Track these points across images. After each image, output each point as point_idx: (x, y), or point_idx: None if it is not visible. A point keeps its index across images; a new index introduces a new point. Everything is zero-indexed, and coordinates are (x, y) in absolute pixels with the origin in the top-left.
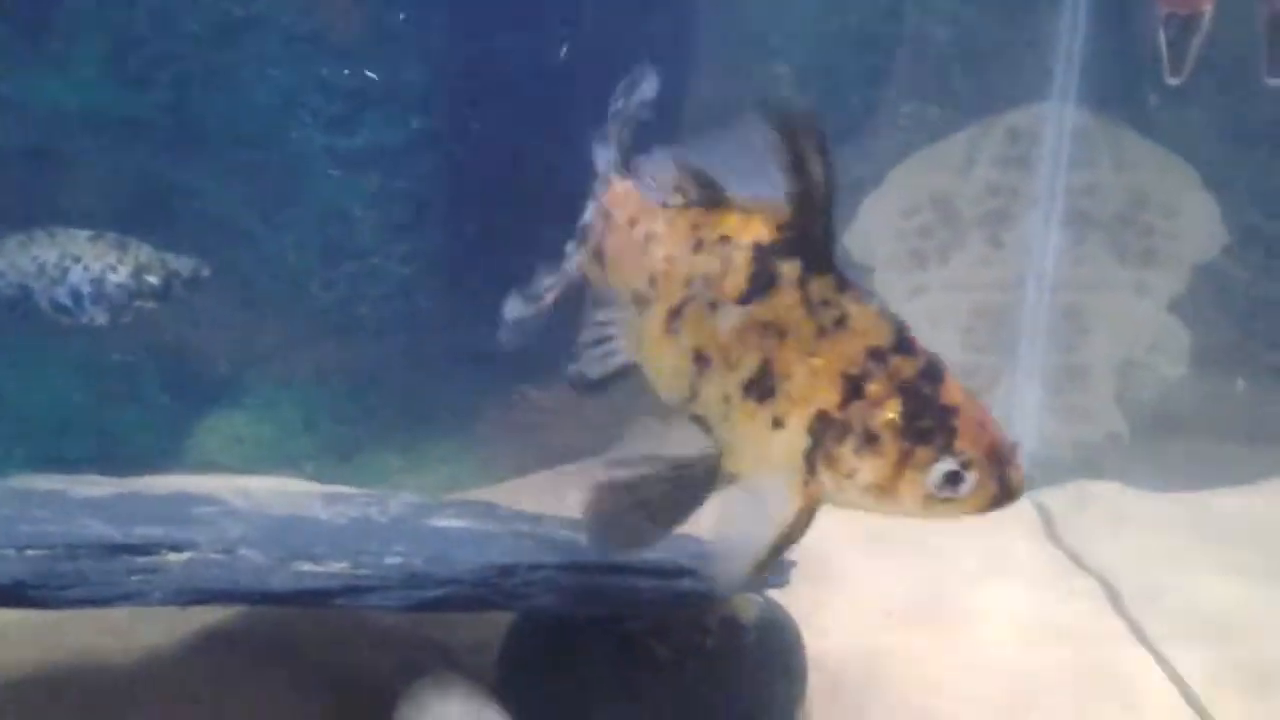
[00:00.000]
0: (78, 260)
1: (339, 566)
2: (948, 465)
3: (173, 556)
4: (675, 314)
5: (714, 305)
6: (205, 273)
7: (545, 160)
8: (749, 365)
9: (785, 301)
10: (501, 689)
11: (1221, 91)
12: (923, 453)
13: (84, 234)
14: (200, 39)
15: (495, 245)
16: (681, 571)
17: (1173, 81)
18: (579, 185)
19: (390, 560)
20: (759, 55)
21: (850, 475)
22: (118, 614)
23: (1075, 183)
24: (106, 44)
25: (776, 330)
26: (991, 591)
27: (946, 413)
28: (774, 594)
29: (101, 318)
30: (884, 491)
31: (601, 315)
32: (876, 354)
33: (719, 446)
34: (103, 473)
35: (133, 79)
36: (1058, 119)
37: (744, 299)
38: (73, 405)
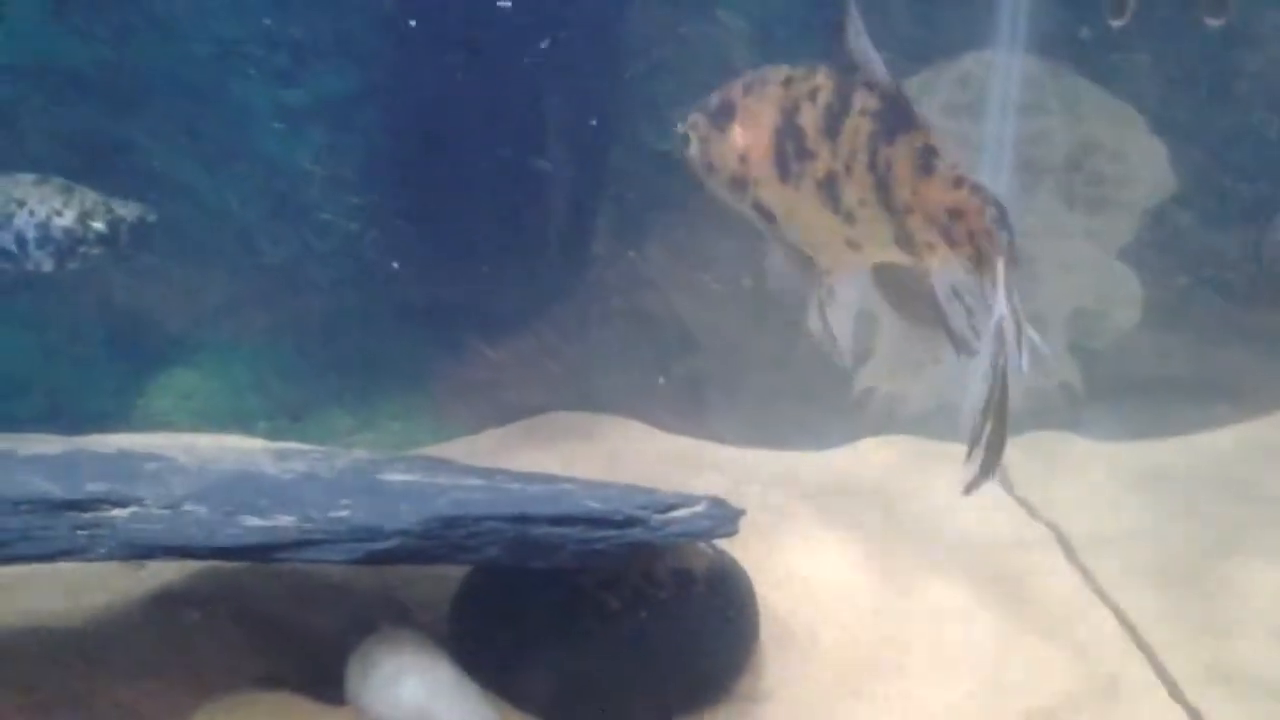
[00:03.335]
0: (22, 205)
1: (286, 520)
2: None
3: (116, 512)
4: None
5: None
6: (151, 219)
7: (494, 111)
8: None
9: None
10: (454, 643)
11: (1164, 34)
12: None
13: (28, 178)
14: None
15: (445, 199)
16: (631, 521)
17: (1115, 24)
18: (526, 138)
19: (337, 514)
20: (712, 9)
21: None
22: (69, 573)
23: (1024, 130)
24: None
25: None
26: (944, 541)
27: None
28: (725, 544)
29: (47, 264)
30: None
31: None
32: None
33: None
34: (53, 432)
35: (73, 30)
36: (1005, 65)
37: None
38: (21, 364)
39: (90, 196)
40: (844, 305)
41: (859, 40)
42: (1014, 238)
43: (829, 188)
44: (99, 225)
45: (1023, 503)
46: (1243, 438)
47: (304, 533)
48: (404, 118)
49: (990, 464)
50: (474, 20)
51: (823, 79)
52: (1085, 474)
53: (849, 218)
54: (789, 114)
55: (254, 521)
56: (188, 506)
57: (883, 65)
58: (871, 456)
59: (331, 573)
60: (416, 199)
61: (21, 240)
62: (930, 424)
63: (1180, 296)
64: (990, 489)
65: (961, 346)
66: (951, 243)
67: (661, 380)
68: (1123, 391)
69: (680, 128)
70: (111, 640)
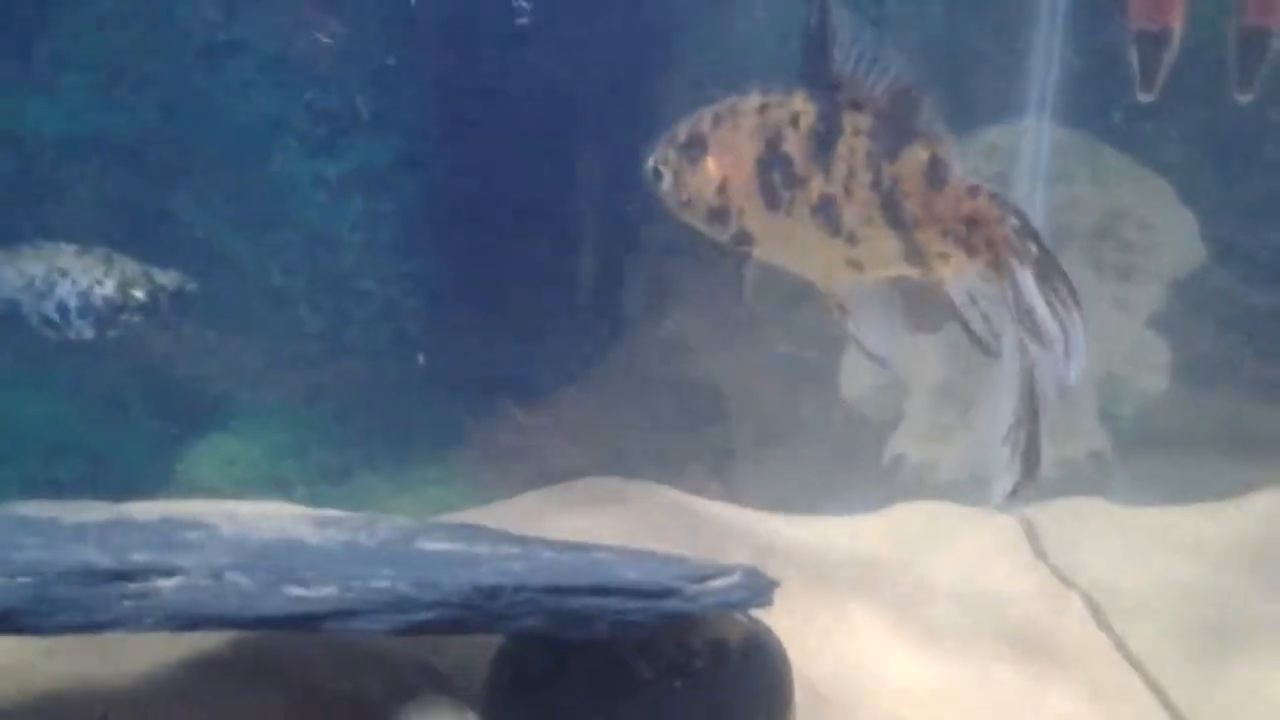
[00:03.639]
0: (65, 274)
1: (327, 590)
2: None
3: (163, 582)
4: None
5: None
6: (191, 288)
7: (530, 180)
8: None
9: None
10: (489, 710)
11: (1193, 106)
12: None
13: (70, 248)
14: (185, 64)
15: (482, 267)
16: (667, 592)
17: (1145, 98)
18: (562, 207)
19: (378, 584)
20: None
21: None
22: (109, 639)
23: (1053, 198)
24: (92, 70)
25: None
26: (978, 609)
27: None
28: (760, 614)
29: (88, 332)
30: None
31: None
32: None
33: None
34: (94, 496)
35: (118, 104)
36: (1035, 135)
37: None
38: (63, 430)
39: (131, 266)
40: (864, 311)
41: (846, 59)
42: (1042, 243)
43: (826, 212)
44: (139, 294)
45: (1055, 569)
46: (1275, 501)
47: (346, 603)
48: (441, 187)
49: (1027, 479)
50: (512, 91)
51: (802, 103)
52: (1117, 539)
53: (851, 239)
54: (771, 142)
55: (297, 592)
56: (231, 576)
57: (890, 78)
58: (903, 522)
59: (370, 638)
60: (453, 267)
61: (64, 309)
62: (962, 490)
63: (1210, 361)
64: (1021, 554)
65: (985, 350)
66: (970, 251)
67: (691, 444)
68: (1153, 456)
69: (650, 162)
70: (151, 707)
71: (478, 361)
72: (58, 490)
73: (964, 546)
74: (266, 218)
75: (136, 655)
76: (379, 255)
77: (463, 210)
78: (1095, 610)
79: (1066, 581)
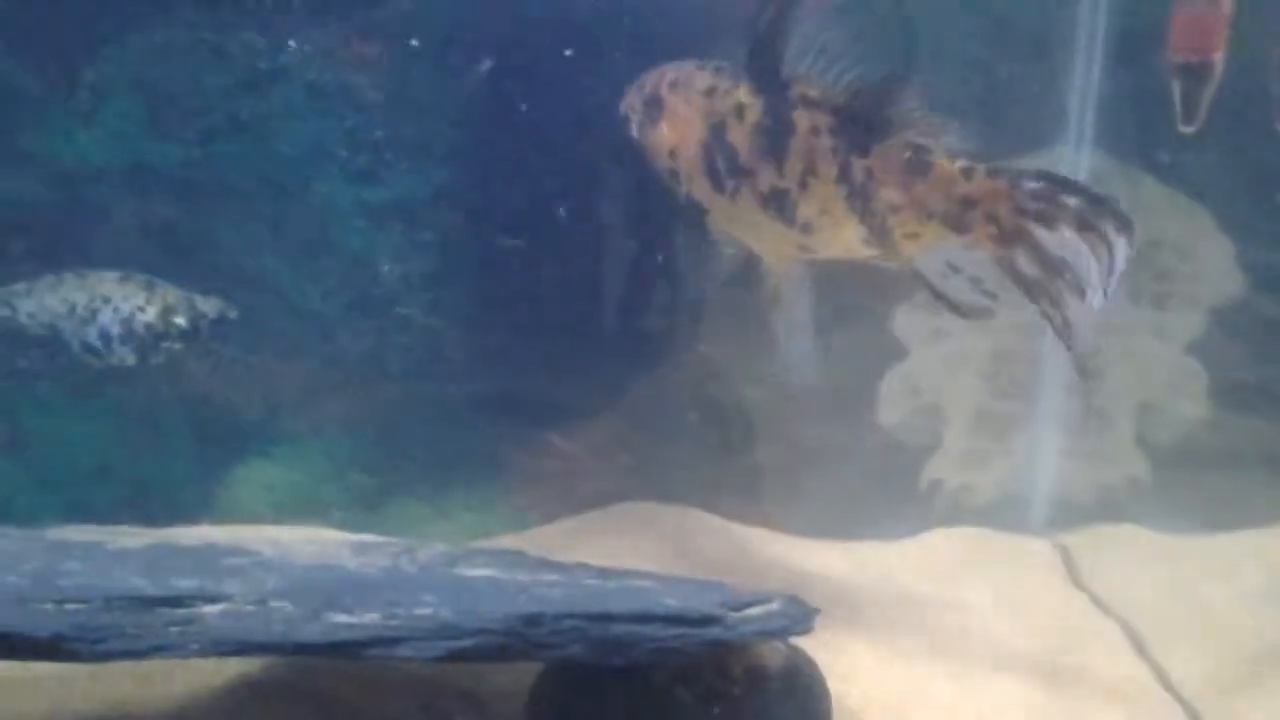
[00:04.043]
0: (107, 301)
1: (371, 617)
2: None
3: (208, 608)
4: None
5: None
6: (232, 315)
7: (569, 209)
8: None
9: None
10: None
11: (1234, 136)
12: None
13: (112, 275)
14: (228, 92)
15: (520, 294)
16: (707, 620)
17: (1186, 130)
18: (600, 236)
19: (420, 611)
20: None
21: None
22: (153, 664)
23: None
24: (136, 98)
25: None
26: (1012, 635)
27: None
28: (799, 641)
29: (130, 358)
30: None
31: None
32: None
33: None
34: (136, 521)
35: (162, 132)
36: (1074, 163)
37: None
38: (105, 455)
39: (173, 293)
40: (792, 307)
41: (799, 60)
42: (1082, 190)
43: (778, 203)
44: (181, 321)
45: (1092, 596)
46: None
47: (389, 630)
48: (481, 215)
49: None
50: (551, 121)
51: (745, 95)
52: (1155, 567)
53: (806, 228)
54: (715, 129)
55: (340, 618)
56: (275, 603)
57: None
58: (939, 549)
59: (410, 663)
60: (492, 293)
61: (106, 336)
62: (998, 515)
63: (1248, 388)
64: (1059, 581)
65: (974, 314)
66: (960, 228)
67: (727, 469)
68: (1191, 483)
69: (623, 106)
70: None
71: (515, 387)
72: (99, 514)
73: (1001, 573)
74: (308, 244)
75: (176, 678)
76: (418, 282)
77: (502, 237)
78: (1133, 638)
79: (1104, 609)
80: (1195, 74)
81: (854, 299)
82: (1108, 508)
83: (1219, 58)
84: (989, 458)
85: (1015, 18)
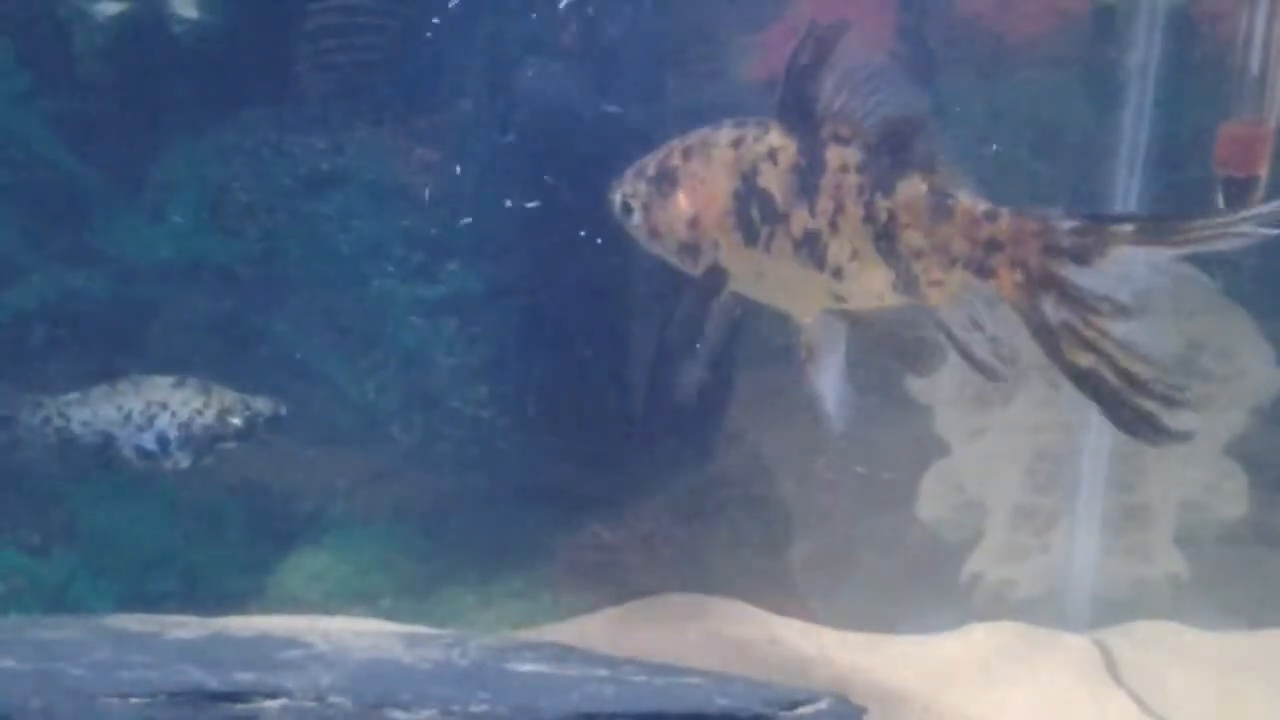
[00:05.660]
0: (164, 407)
1: (427, 713)
2: None
3: (268, 704)
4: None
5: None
6: (283, 411)
7: (618, 306)
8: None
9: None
10: None
11: (1276, 241)
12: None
13: (167, 381)
14: (290, 191)
15: (567, 390)
16: (759, 719)
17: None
18: (647, 332)
19: (476, 708)
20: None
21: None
22: None
23: None
24: (201, 196)
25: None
26: None
27: None
28: None
29: (185, 461)
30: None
31: None
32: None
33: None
34: (187, 609)
35: (225, 229)
36: None
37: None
38: (158, 542)
39: (229, 395)
40: (826, 360)
41: (837, 94)
42: (1134, 218)
43: (810, 247)
44: (237, 421)
45: (1132, 693)
46: None
47: None
48: (532, 312)
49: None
50: (600, 218)
51: (779, 138)
52: (1195, 665)
53: (837, 273)
54: (747, 177)
55: (398, 715)
56: (334, 699)
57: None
58: (980, 643)
59: None
60: (541, 388)
61: (164, 440)
62: (1039, 610)
63: None
64: (1098, 678)
65: (988, 374)
66: (984, 274)
67: (770, 561)
68: (1232, 581)
69: (617, 195)
70: None
71: (562, 478)
72: (152, 603)
73: (1040, 669)
74: (363, 339)
75: None
76: (469, 376)
77: (550, 333)
78: None
79: (1144, 707)
80: (1240, 188)
81: (899, 395)
82: (1146, 604)
83: (1264, 172)
84: (1030, 552)
85: (1061, 125)
